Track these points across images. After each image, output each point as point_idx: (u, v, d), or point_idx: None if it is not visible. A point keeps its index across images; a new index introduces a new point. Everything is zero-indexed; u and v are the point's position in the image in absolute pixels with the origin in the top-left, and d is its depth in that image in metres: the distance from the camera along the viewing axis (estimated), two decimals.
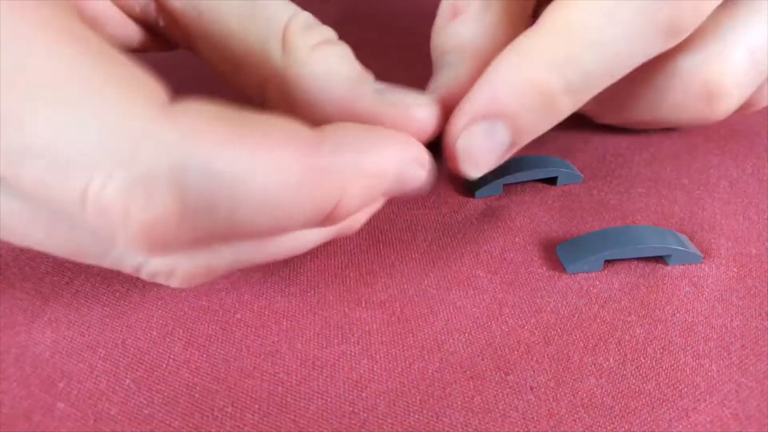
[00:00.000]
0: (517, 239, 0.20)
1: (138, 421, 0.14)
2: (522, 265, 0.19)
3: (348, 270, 0.18)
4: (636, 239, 0.18)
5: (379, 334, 0.16)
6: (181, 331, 0.16)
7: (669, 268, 0.19)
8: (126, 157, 0.10)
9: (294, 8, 0.16)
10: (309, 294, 0.18)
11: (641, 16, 0.14)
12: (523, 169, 0.21)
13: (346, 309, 0.17)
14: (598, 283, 0.18)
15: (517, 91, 0.15)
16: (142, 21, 0.17)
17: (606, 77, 0.15)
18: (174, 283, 0.14)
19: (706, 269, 0.19)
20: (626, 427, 0.14)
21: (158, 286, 0.17)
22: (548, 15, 0.15)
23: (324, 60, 0.15)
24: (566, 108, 0.15)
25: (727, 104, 0.19)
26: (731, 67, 0.18)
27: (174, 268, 0.13)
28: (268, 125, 0.12)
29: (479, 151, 0.15)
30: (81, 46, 0.11)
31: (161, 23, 0.17)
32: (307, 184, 0.12)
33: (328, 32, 0.16)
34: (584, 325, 0.17)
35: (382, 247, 0.19)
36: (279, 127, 0.12)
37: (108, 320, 0.16)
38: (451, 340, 0.16)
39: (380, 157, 0.13)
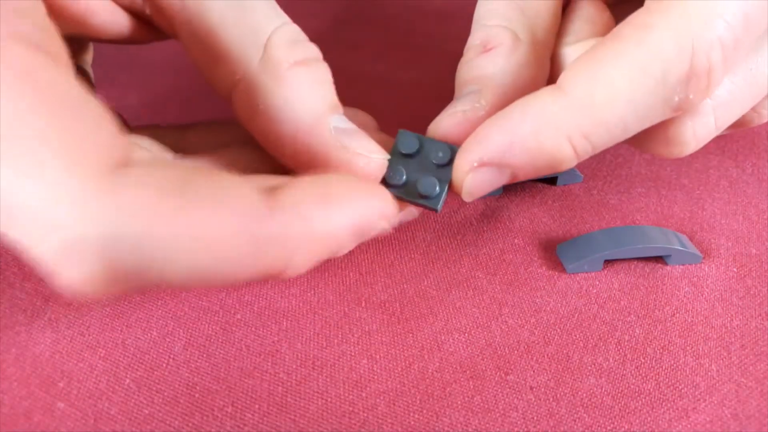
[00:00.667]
0: (516, 240, 0.20)
1: (138, 420, 0.14)
2: (521, 265, 0.19)
3: (348, 270, 0.18)
4: (636, 239, 0.18)
5: (379, 334, 0.16)
6: (181, 331, 0.16)
7: (669, 268, 0.19)
8: (60, 223, 0.11)
9: (282, 19, 0.16)
10: (309, 294, 0.18)
11: (661, 101, 0.15)
12: None
13: (346, 309, 0.17)
14: (597, 283, 0.18)
15: (531, 153, 0.16)
16: (130, 10, 0.17)
17: (609, 145, 0.16)
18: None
19: (706, 269, 0.19)
20: (626, 426, 0.14)
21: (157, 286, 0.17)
22: (573, 78, 0.16)
23: (298, 82, 0.15)
24: (567, 167, 0.16)
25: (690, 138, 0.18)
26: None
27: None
28: (216, 191, 0.12)
29: (481, 187, 0.16)
30: (42, 98, 0.11)
31: (147, 11, 0.17)
32: (250, 254, 0.12)
33: (312, 50, 0.16)
34: (584, 325, 0.17)
35: (382, 248, 0.19)
36: (226, 193, 0.12)
37: (108, 320, 0.16)
38: (450, 340, 0.16)
39: (334, 221, 0.13)
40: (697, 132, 0.17)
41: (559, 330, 0.17)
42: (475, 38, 0.19)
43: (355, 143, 0.16)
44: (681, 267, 0.19)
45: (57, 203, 0.11)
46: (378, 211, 0.14)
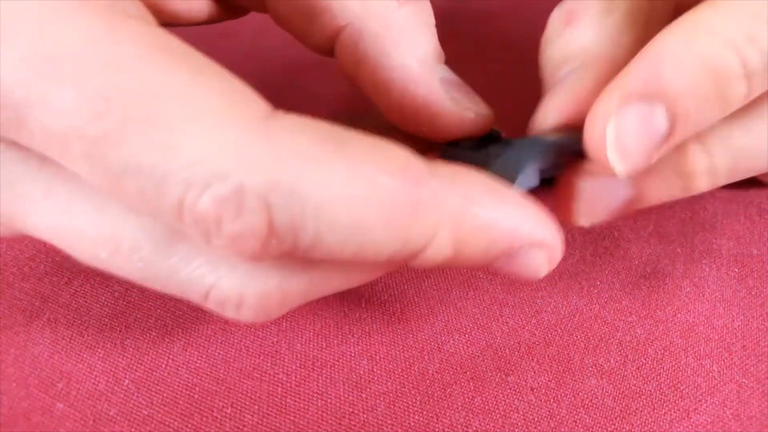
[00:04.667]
0: None
1: (137, 421, 0.14)
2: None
3: None
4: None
5: (379, 335, 0.16)
6: (180, 331, 0.16)
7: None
8: (220, 172, 0.10)
9: None
10: None
11: None
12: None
13: (346, 309, 0.17)
14: (598, 283, 0.18)
15: (686, 68, 0.12)
16: None
17: None
18: (245, 313, 0.13)
19: (707, 269, 0.18)
20: (627, 427, 0.14)
21: None
22: None
23: (407, 24, 0.15)
24: (739, 98, 0.13)
25: None
26: None
27: (244, 294, 0.13)
28: (372, 148, 0.11)
29: (634, 138, 0.13)
30: (176, 59, 0.11)
31: None
32: (399, 218, 0.11)
33: None
34: (585, 325, 0.17)
35: None
36: (383, 152, 0.11)
37: (107, 320, 0.16)
38: (451, 341, 0.16)
39: (493, 214, 0.12)
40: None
41: (560, 331, 0.17)
42: (557, 11, 0.17)
43: (463, 96, 0.15)
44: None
45: (217, 153, 0.10)
46: (544, 238, 0.13)
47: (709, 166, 0.14)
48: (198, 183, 0.10)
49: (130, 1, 0.12)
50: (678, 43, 0.13)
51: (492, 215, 0.12)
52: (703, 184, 0.15)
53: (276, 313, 0.13)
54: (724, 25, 0.12)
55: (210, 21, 0.18)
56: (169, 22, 0.17)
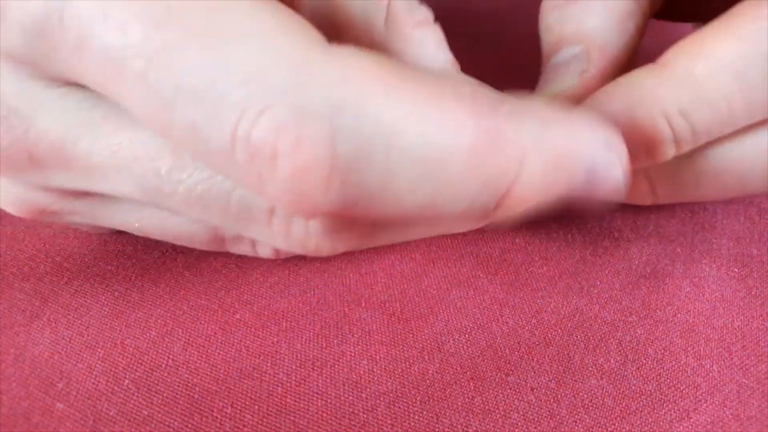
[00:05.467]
0: (517, 239, 0.20)
1: (137, 421, 0.14)
2: (522, 265, 0.19)
3: (348, 270, 0.18)
4: None
5: (379, 335, 0.16)
6: (180, 331, 0.16)
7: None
8: (279, 90, 0.09)
9: None
10: (308, 294, 0.17)
11: None
12: None
13: (346, 309, 0.17)
14: (598, 283, 0.18)
15: (623, 129, 0.13)
16: None
17: (714, 131, 0.14)
18: (311, 246, 0.12)
19: (707, 269, 0.18)
20: (627, 427, 0.14)
21: (156, 285, 0.17)
22: (673, 54, 0.14)
23: (424, 40, 0.15)
24: (665, 151, 0.14)
25: None
26: None
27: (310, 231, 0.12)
28: (441, 78, 0.10)
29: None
30: None
31: None
32: (480, 151, 0.10)
33: (428, 13, 0.16)
34: (585, 325, 0.17)
35: (382, 247, 0.19)
36: (453, 82, 0.10)
37: (107, 320, 0.16)
38: (451, 341, 0.16)
39: (570, 135, 0.11)
40: None
41: (560, 331, 0.17)
42: None
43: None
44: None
45: (276, 70, 0.09)
46: (613, 143, 0.12)
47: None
48: (254, 106, 0.09)
49: None
50: (620, 107, 0.14)
51: (569, 133, 0.11)
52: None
53: (338, 250, 0.13)
54: (661, 96, 0.14)
55: None
56: None
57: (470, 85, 0.11)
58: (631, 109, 0.14)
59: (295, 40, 0.10)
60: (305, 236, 0.12)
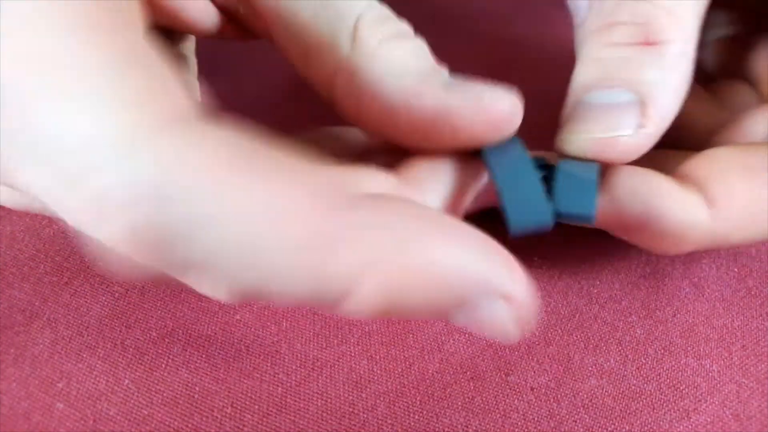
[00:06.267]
0: (516, 240, 0.20)
1: (137, 421, 0.14)
2: (522, 265, 0.19)
3: None
4: None
5: (379, 335, 0.16)
6: (180, 331, 0.16)
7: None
8: (103, 165, 0.09)
9: (368, 1, 0.15)
10: None
11: None
12: None
13: None
14: (598, 282, 0.18)
15: (648, 240, 0.15)
16: (223, 8, 0.17)
17: None
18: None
19: (707, 269, 0.18)
20: (627, 427, 0.14)
21: (157, 286, 0.17)
22: (725, 195, 0.14)
23: (392, 53, 0.14)
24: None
25: None
26: None
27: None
28: (290, 165, 0.10)
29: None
30: (110, 39, 0.10)
31: (241, 10, 0.17)
32: (312, 247, 0.09)
33: (403, 26, 0.15)
34: (585, 325, 0.17)
35: None
36: (303, 170, 0.10)
37: (107, 320, 0.16)
38: (451, 341, 0.16)
39: (439, 253, 0.10)
40: None
41: (559, 330, 0.17)
42: (625, 13, 0.15)
43: (474, 90, 0.13)
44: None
45: (103, 143, 0.09)
46: (506, 287, 0.11)
47: None
48: (73, 174, 0.09)
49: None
50: (663, 228, 0.14)
51: (437, 254, 0.10)
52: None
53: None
54: (696, 238, 0.14)
55: (222, 37, 0.18)
56: (185, 31, 0.17)
57: (325, 180, 0.10)
58: (670, 235, 0.14)
59: (135, 112, 0.09)
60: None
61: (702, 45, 0.18)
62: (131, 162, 0.09)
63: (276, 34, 0.16)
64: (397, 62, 0.14)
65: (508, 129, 0.14)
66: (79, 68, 0.09)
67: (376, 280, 0.09)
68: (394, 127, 0.14)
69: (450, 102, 0.13)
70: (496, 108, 0.13)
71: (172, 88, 0.10)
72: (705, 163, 0.15)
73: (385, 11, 0.15)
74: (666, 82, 0.14)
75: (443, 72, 0.14)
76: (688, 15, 0.15)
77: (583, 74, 0.15)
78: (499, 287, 0.10)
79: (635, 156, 0.14)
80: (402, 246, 0.10)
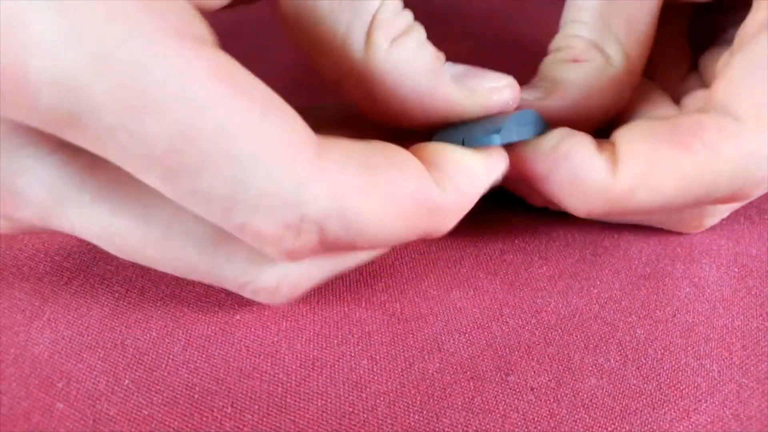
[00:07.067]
0: (516, 240, 0.20)
1: (137, 421, 0.14)
2: (522, 265, 0.19)
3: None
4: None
5: (379, 335, 0.16)
6: (180, 331, 0.16)
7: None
8: (286, 205, 0.12)
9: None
10: (309, 294, 0.17)
11: (690, 209, 0.16)
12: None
13: (346, 309, 0.17)
14: (598, 282, 0.18)
15: (548, 194, 0.17)
16: None
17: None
18: (277, 299, 0.15)
19: (707, 269, 0.18)
20: (627, 427, 0.14)
21: (157, 286, 0.17)
22: (627, 164, 0.16)
23: (402, 54, 0.15)
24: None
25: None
26: None
27: (280, 285, 0.15)
28: (396, 171, 0.14)
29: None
30: (246, 97, 0.12)
31: None
32: (422, 221, 0.14)
33: (408, 17, 0.16)
34: (585, 325, 0.17)
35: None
36: (403, 174, 0.14)
37: (107, 320, 0.16)
38: (451, 341, 0.16)
39: (481, 189, 0.15)
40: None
41: (559, 330, 0.17)
42: (564, 41, 0.19)
43: (478, 82, 0.16)
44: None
45: (283, 187, 0.12)
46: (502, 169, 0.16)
47: None
48: (264, 211, 0.12)
49: (198, 21, 0.13)
50: (565, 186, 0.16)
51: (477, 179, 0.15)
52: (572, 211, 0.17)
53: (301, 294, 0.15)
54: (597, 203, 0.16)
55: (232, 4, 0.18)
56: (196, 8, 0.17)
57: (415, 177, 0.14)
58: (571, 193, 0.16)
59: (295, 158, 0.12)
60: (273, 294, 0.15)
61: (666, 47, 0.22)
62: (316, 192, 0.12)
63: (290, 24, 0.16)
64: (407, 62, 0.15)
65: (510, 109, 0.16)
66: (248, 132, 0.12)
67: (455, 218, 0.15)
68: (407, 120, 0.16)
69: (459, 97, 0.16)
70: (501, 101, 0.16)
71: (298, 121, 0.13)
72: (622, 131, 0.16)
73: (397, 5, 0.16)
74: (576, 80, 0.18)
75: (444, 62, 0.16)
76: (611, 46, 0.18)
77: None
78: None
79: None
80: (467, 197, 0.15)
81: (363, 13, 0.15)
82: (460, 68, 0.16)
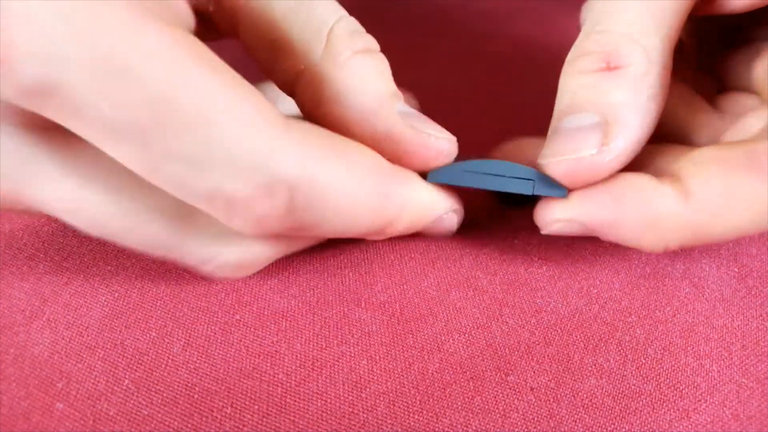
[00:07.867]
0: (516, 240, 0.20)
1: (137, 421, 0.14)
2: (522, 265, 0.19)
3: (348, 270, 0.18)
4: (504, 165, 0.16)
5: (379, 335, 0.16)
6: (180, 331, 0.16)
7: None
8: (258, 167, 0.13)
9: (342, 12, 0.16)
10: (308, 294, 0.17)
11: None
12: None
13: (346, 309, 0.17)
14: (598, 282, 0.18)
15: (622, 238, 0.16)
16: (193, 8, 0.17)
17: None
18: (237, 274, 0.16)
19: (707, 269, 0.18)
20: (627, 427, 0.14)
21: (157, 286, 0.17)
22: (703, 189, 0.15)
23: (361, 69, 0.16)
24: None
25: None
26: None
27: (242, 261, 0.16)
28: (356, 150, 0.15)
29: (558, 233, 0.17)
30: (216, 72, 0.13)
31: (211, 8, 0.17)
32: (377, 206, 0.15)
33: (371, 41, 0.16)
34: (584, 325, 0.17)
35: (381, 248, 0.19)
36: (364, 154, 0.15)
37: (107, 321, 0.16)
38: (450, 341, 0.16)
39: (428, 196, 0.17)
40: None
41: (559, 330, 0.17)
42: (592, 43, 0.16)
43: (423, 125, 0.16)
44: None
45: (254, 153, 0.13)
46: (457, 207, 0.18)
47: None
48: (236, 173, 0.13)
49: (174, 7, 0.14)
50: (636, 225, 0.15)
51: (430, 197, 0.17)
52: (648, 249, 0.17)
53: (257, 270, 0.17)
54: (674, 232, 0.15)
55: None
56: None
57: (375, 159, 0.16)
58: (645, 230, 0.15)
59: (265, 125, 0.13)
60: (235, 269, 0.16)
61: (708, 59, 0.20)
62: (285, 159, 0.13)
63: (245, 31, 0.17)
64: (361, 78, 0.16)
65: (444, 162, 0.17)
66: (221, 100, 0.13)
67: (408, 214, 0.16)
68: (346, 133, 0.16)
69: (399, 128, 0.16)
70: (438, 146, 0.16)
71: (263, 97, 0.14)
72: (681, 159, 0.15)
73: (357, 25, 0.16)
74: (628, 102, 0.15)
75: (400, 98, 0.16)
76: (650, 39, 0.16)
77: (558, 104, 0.16)
78: (455, 207, 0.18)
79: (603, 175, 0.15)
80: (418, 195, 0.17)
81: (321, 21, 0.16)
82: (412, 110, 0.16)
